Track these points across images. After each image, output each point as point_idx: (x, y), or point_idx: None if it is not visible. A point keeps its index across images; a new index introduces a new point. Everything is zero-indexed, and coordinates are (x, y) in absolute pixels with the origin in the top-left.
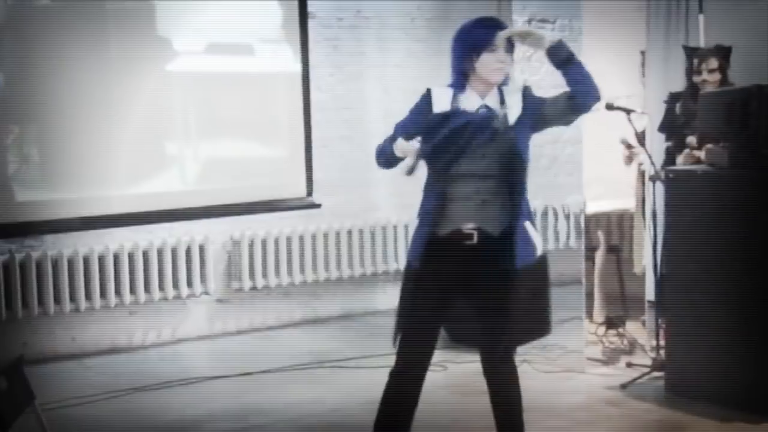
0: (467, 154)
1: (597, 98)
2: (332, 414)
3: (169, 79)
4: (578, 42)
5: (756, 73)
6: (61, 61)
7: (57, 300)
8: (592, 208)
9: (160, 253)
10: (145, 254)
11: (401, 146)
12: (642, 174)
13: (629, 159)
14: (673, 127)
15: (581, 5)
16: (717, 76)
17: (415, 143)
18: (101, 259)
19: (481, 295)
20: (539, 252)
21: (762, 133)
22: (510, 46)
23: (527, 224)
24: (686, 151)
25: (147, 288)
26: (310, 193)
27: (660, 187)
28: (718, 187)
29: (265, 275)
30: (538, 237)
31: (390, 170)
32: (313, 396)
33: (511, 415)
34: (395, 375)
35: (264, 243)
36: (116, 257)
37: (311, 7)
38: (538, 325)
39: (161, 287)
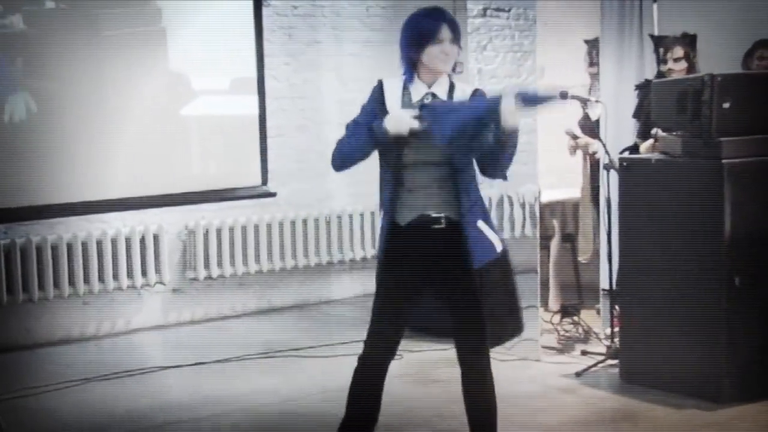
0: (417, 143)
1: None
2: (286, 403)
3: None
4: (532, 31)
5: (709, 62)
6: None
7: (10, 290)
8: (547, 196)
9: (114, 242)
10: (99, 243)
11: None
12: (596, 163)
13: (574, 149)
14: (641, 114)
15: None
16: (683, 65)
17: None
18: (54, 249)
19: (447, 287)
20: (498, 249)
21: (714, 122)
22: (456, 38)
23: (480, 223)
24: (651, 141)
25: (101, 278)
26: (265, 182)
27: (614, 175)
28: (671, 176)
29: (220, 265)
30: (493, 234)
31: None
32: (267, 386)
33: (485, 411)
34: (362, 360)
35: (219, 232)
36: (70, 246)
37: None
38: (509, 325)
39: (115, 277)
